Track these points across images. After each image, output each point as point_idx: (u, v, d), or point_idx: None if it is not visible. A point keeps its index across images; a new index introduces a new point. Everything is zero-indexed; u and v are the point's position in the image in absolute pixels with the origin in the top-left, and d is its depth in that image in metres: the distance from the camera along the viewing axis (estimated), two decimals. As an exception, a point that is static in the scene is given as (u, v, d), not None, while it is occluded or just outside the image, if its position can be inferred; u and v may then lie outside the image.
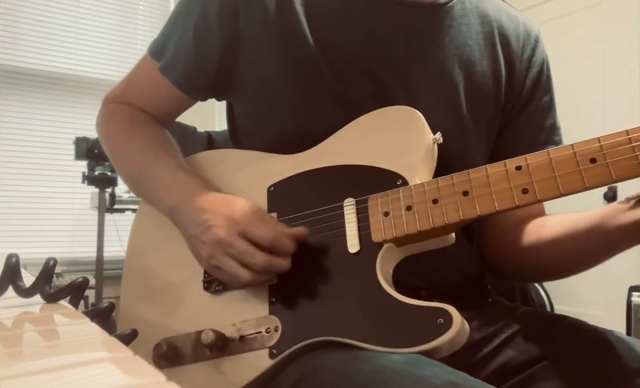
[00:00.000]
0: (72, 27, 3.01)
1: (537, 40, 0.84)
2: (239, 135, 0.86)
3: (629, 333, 2.01)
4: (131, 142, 0.82)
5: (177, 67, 0.81)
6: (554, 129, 0.83)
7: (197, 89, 0.82)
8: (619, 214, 0.65)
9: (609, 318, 2.48)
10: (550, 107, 0.84)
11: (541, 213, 0.81)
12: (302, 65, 0.74)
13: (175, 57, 0.80)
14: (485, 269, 0.85)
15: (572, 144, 0.58)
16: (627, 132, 0.56)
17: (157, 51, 0.83)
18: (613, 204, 0.67)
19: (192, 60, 0.79)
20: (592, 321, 0.72)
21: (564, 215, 0.75)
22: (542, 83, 0.83)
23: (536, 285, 2.37)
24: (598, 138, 0.57)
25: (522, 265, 0.80)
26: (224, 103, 0.88)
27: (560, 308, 2.43)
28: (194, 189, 0.72)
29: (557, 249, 0.74)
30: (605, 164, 0.56)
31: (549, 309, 2.37)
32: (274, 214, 0.71)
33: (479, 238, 0.85)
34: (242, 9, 0.75)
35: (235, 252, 0.64)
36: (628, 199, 0.65)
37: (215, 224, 0.65)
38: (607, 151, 0.56)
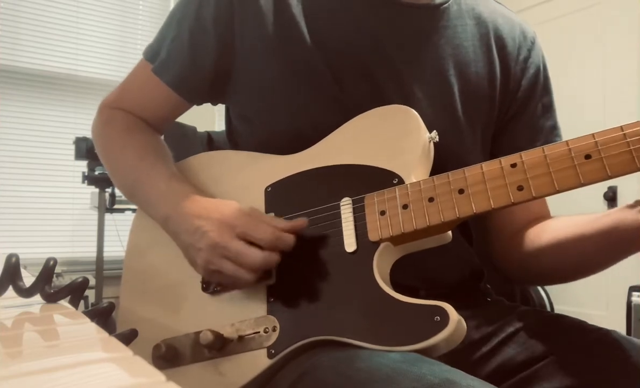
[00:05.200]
0: (72, 27, 3.00)
1: (533, 43, 0.84)
2: (235, 136, 0.85)
3: (629, 333, 2.01)
4: (126, 149, 0.81)
5: (171, 68, 0.80)
6: (553, 130, 0.83)
7: (191, 91, 0.81)
8: (631, 216, 0.63)
9: (609, 318, 2.48)
10: (549, 108, 0.84)
11: (546, 216, 0.81)
12: (299, 65, 0.74)
13: (169, 59, 0.80)
14: (489, 270, 0.85)
15: (566, 141, 0.58)
16: (621, 128, 0.57)
17: (152, 54, 0.82)
18: (620, 208, 0.66)
19: (187, 62, 0.78)
20: (592, 321, 0.72)
21: (571, 217, 0.74)
22: (539, 85, 0.83)
23: (536, 284, 2.37)
24: (593, 134, 0.57)
25: (529, 268, 0.80)
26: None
27: (560, 308, 2.42)
28: (186, 198, 0.71)
29: (568, 252, 0.72)
30: (600, 159, 0.56)
31: (549, 309, 2.36)
32: (272, 215, 0.71)
33: (487, 245, 0.85)
34: (238, 11, 0.75)
35: (231, 254, 0.64)
36: (637, 202, 0.63)
37: (209, 229, 0.66)
38: (602, 147, 0.56)
